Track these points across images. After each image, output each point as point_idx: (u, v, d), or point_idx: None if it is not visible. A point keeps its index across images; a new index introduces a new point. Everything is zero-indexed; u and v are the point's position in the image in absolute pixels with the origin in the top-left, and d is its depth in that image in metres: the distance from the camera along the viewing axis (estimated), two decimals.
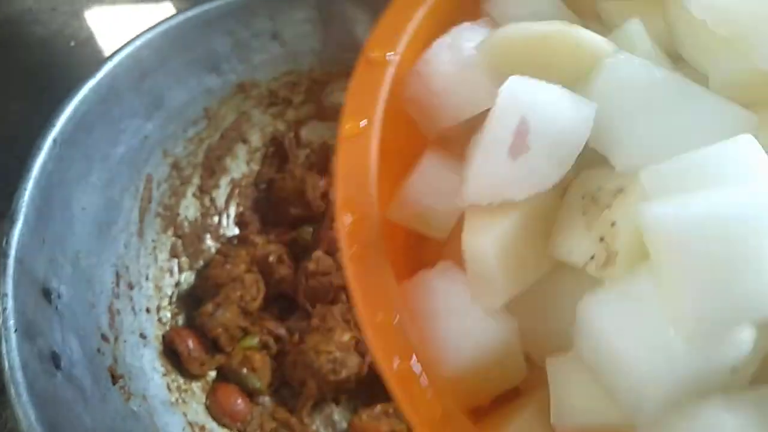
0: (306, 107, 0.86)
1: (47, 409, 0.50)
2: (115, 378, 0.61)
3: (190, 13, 0.71)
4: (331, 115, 0.87)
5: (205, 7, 0.73)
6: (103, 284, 0.65)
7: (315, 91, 0.85)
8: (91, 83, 0.64)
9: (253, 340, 0.73)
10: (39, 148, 0.59)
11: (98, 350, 0.61)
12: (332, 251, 0.78)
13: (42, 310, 0.56)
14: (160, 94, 0.72)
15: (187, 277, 0.77)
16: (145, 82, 0.70)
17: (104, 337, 0.62)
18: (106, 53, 0.75)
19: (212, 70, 0.76)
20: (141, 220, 0.72)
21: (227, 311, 0.71)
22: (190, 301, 0.75)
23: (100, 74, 0.64)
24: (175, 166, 0.76)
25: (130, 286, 0.69)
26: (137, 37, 0.68)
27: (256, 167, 0.85)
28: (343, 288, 0.78)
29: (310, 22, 0.79)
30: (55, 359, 0.54)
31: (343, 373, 0.70)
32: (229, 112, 0.80)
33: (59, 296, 0.58)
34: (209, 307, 0.71)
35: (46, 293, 0.57)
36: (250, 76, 0.80)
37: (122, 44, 0.67)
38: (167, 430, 0.64)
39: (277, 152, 0.85)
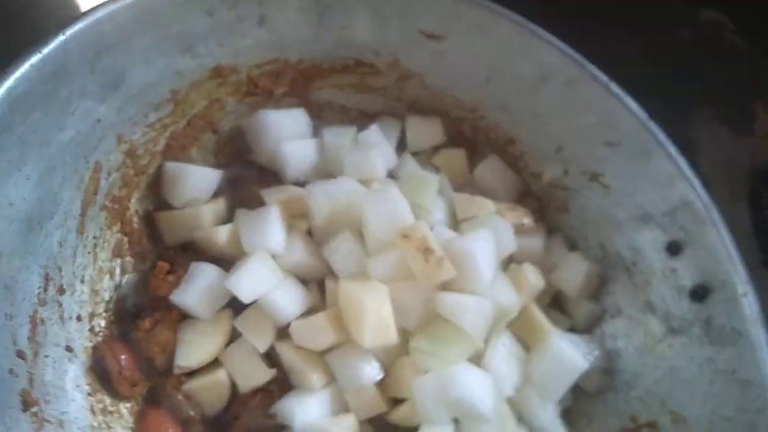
0: (288, 101, 0.77)
1: None
2: (27, 404, 0.53)
3: None
4: (316, 112, 0.78)
5: None
6: (26, 290, 0.56)
7: (301, 85, 0.76)
8: (35, 59, 0.54)
9: None
10: None
11: (10, 371, 0.53)
12: None
13: None
14: (120, 74, 0.62)
15: (130, 281, 0.69)
16: (103, 60, 0.60)
17: (20, 354, 0.54)
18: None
19: (186, 51, 0.67)
20: (83, 214, 0.63)
21: (168, 329, 0.64)
22: (131, 308, 0.68)
23: (47, 49, 0.55)
24: (130, 153, 0.67)
25: (61, 291, 0.61)
26: (97, 7, 0.58)
27: (224, 160, 0.76)
28: None
29: (304, 11, 0.70)
30: None
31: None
32: (200, 97, 0.71)
33: None
34: (146, 322, 0.64)
35: None
36: (229, 60, 0.70)
37: (80, 15, 0.57)
38: None
39: (248, 146, 0.77)
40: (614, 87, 0.65)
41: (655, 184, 0.65)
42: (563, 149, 0.74)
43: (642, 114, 0.65)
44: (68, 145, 0.60)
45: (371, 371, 0.62)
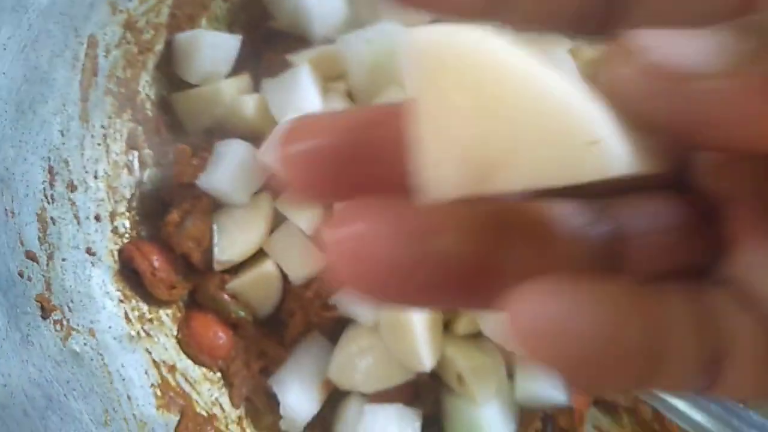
0: None
1: None
2: (46, 310, 0.46)
3: None
4: None
5: None
6: (28, 184, 0.48)
7: None
8: None
9: None
10: None
11: (20, 274, 0.45)
12: None
13: None
14: None
15: (152, 175, 0.60)
16: None
17: (30, 256, 0.46)
18: None
19: None
20: (84, 99, 0.54)
21: (200, 221, 0.55)
22: (156, 206, 0.59)
23: None
24: (130, 26, 0.57)
25: (72, 187, 0.52)
26: None
27: (240, 32, 0.65)
28: None
29: None
30: None
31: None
32: None
33: None
34: (175, 215, 0.55)
35: None
36: None
37: None
38: (124, 374, 0.50)
39: (265, 11, 0.65)
40: None
41: None
42: None
43: None
44: (49, 11, 0.50)
45: None
